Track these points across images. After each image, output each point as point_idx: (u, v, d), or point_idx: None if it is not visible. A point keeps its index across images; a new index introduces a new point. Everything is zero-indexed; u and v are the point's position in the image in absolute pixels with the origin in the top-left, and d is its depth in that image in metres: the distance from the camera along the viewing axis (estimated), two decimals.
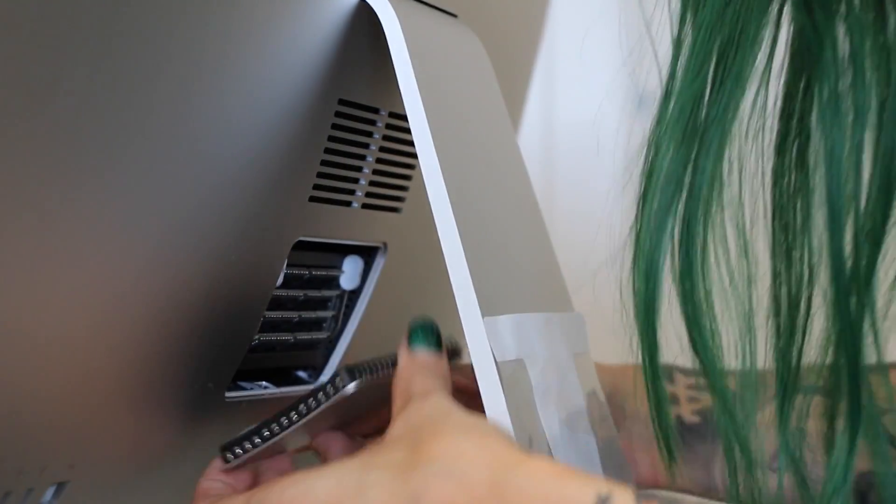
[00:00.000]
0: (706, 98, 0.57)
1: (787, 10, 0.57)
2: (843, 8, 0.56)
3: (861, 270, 0.56)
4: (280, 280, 0.66)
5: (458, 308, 0.59)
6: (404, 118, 0.61)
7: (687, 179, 0.56)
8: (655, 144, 0.57)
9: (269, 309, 0.66)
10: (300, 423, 0.63)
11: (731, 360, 0.58)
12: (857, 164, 0.55)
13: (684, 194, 0.56)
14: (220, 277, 0.62)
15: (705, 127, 0.56)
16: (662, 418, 0.59)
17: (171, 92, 0.55)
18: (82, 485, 0.60)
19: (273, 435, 0.63)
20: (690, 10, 0.57)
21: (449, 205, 0.59)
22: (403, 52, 0.61)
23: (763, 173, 0.59)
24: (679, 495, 0.71)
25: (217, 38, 0.56)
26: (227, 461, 0.64)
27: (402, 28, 0.61)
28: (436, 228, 0.60)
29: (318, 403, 0.63)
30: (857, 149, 0.55)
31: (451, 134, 0.62)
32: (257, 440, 0.64)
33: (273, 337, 0.68)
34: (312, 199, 0.64)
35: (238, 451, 0.64)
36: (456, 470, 0.54)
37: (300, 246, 0.65)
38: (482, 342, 0.59)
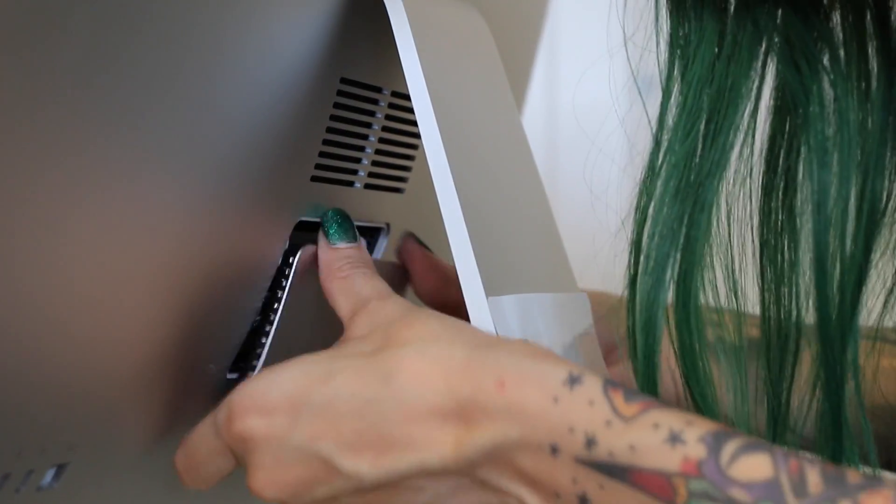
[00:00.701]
0: (699, 154, 0.57)
1: (771, 62, 0.58)
2: (827, 62, 0.57)
3: (846, 315, 0.57)
4: (281, 260, 0.65)
5: (461, 288, 0.59)
6: (407, 97, 0.61)
7: (682, 234, 0.57)
8: (648, 194, 0.58)
9: (271, 289, 0.65)
10: (287, 299, 0.64)
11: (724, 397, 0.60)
12: (843, 212, 0.57)
13: (680, 249, 0.57)
14: (220, 258, 0.61)
15: (700, 182, 0.57)
16: None
17: (169, 72, 0.54)
18: (83, 466, 0.60)
19: (272, 324, 0.64)
20: (679, 64, 0.58)
21: (452, 185, 0.59)
22: (406, 30, 0.60)
23: (751, 216, 0.60)
24: None
25: (216, 17, 0.55)
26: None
27: (405, 6, 0.61)
28: (439, 209, 0.60)
29: (287, 277, 0.64)
30: (843, 198, 0.57)
31: (454, 113, 0.62)
32: (263, 339, 0.65)
33: (275, 317, 0.67)
34: (314, 178, 0.64)
35: (254, 362, 0.65)
36: (431, 349, 0.55)
37: (302, 226, 0.65)
38: (486, 322, 0.58)
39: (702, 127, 0.57)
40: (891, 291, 0.60)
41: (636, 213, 0.58)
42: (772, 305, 0.60)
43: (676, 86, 0.58)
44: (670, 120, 0.58)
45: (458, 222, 0.59)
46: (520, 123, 0.69)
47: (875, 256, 0.59)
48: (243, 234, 0.62)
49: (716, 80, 0.57)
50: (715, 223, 0.58)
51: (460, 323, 0.57)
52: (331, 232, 0.64)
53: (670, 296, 0.59)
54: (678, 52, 0.58)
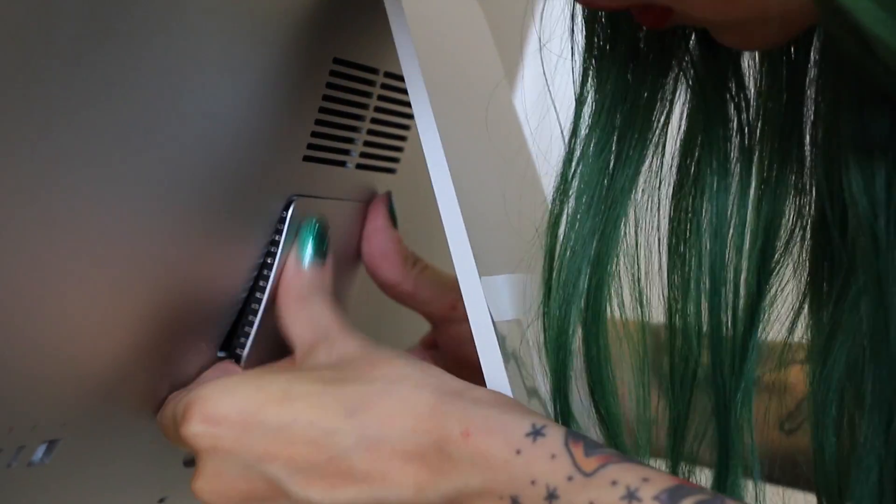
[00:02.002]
0: (611, 170, 0.58)
1: (682, 83, 0.59)
2: (734, 89, 0.58)
3: (737, 345, 0.58)
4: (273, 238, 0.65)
5: (454, 268, 0.59)
6: (401, 78, 0.61)
7: (594, 249, 0.58)
8: (560, 205, 0.59)
9: (260, 268, 0.65)
10: (274, 277, 0.64)
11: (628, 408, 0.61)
12: (741, 234, 0.58)
13: (591, 263, 0.58)
14: (211, 235, 0.61)
15: (613, 199, 0.58)
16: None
17: (160, 50, 0.54)
18: (74, 442, 0.60)
19: (259, 302, 0.64)
20: (593, 79, 0.58)
21: (446, 166, 0.59)
22: (400, 11, 0.60)
23: (658, 229, 0.61)
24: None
25: None
26: (239, 360, 0.65)
27: None
28: (431, 189, 0.60)
29: (276, 253, 0.64)
30: (741, 219, 0.58)
31: (447, 94, 0.62)
32: (251, 317, 0.64)
33: (263, 295, 0.67)
34: (306, 158, 0.64)
35: (242, 339, 0.65)
36: (398, 389, 0.56)
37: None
38: (480, 302, 0.59)
39: (614, 143, 0.58)
40: (797, 314, 0.61)
41: (549, 224, 0.59)
42: (675, 318, 0.61)
43: (590, 95, 0.58)
44: (583, 129, 0.58)
45: (451, 203, 0.59)
46: (513, 105, 0.69)
47: (782, 278, 0.60)
48: (234, 213, 0.62)
49: (630, 96, 0.58)
50: (623, 234, 0.59)
51: (426, 365, 0.58)
52: (304, 249, 0.64)
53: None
54: (593, 62, 0.58)
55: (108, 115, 0.53)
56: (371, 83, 0.66)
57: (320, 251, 0.64)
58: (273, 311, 0.65)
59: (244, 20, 0.58)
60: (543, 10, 0.60)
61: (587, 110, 0.58)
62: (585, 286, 0.58)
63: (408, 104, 0.61)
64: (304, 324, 0.63)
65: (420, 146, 0.60)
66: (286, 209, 0.64)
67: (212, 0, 0.56)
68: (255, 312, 0.65)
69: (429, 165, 0.59)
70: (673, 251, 0.61)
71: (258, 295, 0.65)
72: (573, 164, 0.58)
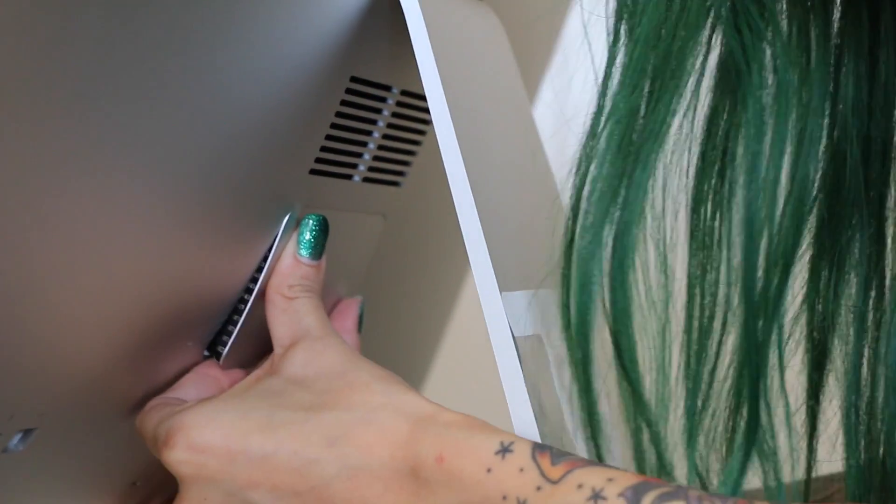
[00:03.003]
0: (642, 113, 0.58)
1: (718, 34, 0.58)
2: (770, 34, 0.58)
3: (771, 293, 0.58)
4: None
5: (475, 283, 0.60)
6: (416, 96, 0.61)
7: (622, 193, 0.58)
8: (588, 158, 0.58)
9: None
10: (264, 277, 0.64)
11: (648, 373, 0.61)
12: (775, 187, 0.57)
13: (618, 208, 0.58)
14: (212, 241, 0.62)
15: (641, 141, 0.57)
16: (596, 441, 0.61)
17: (179, 59, 0.54)
18: (50, 432, 0.60)
19: (246, 302, 0.65)
20: (625, 25, 0.58)
21: (467, 182, 0.59)
22: (422, 29, 0.60)
23: (686, 191, 0.60)
24: None
25: (228, 11, 0.55)
26: (219, 357, 0.66)
27: (421, 6, 0.60)
28: (435, 200, 0.60)
29: (268, 256, 0.64)
30: (775, 170, 0.57)
31: (468, 111, 0.61)
32: (235, 317, 0.65)
33: (252, 295, 0.67)
34: (313, 171, 0.64)
35: (224, 338, 0.65)
36: (377, 418, 0.58)
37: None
38: (500, 317, 0.59)
39: (646, 86, 0.57)
40: (815, 289, 0.62)
41: (576, 176, 0.59)
42: (698, 284, 0.61)
43: (622, 48, 0.58)
44: (614, 85, 0.58)
45: (472, 218, 0.59)
46: (533, 122, 0.69)
47: (804, 240, 0.60)
48: (237, 220, 0.62)
49: (663, 42, 0.57)
50: (650, 195, 0.59)
51: (401, 388, 0.60)
52: (303, 241, 0.65)
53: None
54: (626, 12, 0.58)
55: (117, 122, 0.53)
56: (384, 100, 0.66)
57: (318, 248, 0.65)
58: (259, 309, 0.65)
59: (262, 37, 0.57)
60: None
61: (618, 65, 0.58)
62: (613, 228, 0.58)
63: (421, 121, 0.61)
64: (287, 321, 0.64)
65: (429, 159, 0.60)
66: (285, 216, 0.64)
67: (230, 15, 0.55)
68: (240, 312, 0.65)
69: (450, 181, 0.59)
70: (700, 211, 0.61)
71: (246, 295, 0.65)
72: (603, 116, 0.58)
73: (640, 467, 0.61)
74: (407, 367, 0.85)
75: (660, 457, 0.60)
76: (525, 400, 0.58)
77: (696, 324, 0.61)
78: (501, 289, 0.59)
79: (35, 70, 0.49)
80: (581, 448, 0.62)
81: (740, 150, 0.58)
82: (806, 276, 0.61)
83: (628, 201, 0.58)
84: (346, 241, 0.69)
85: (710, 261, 0.60)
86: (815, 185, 0.59)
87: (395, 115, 0.67)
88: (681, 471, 0.60)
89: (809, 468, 0.63)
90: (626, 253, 0.58)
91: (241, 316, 0.65)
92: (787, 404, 0.61)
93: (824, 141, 0.59)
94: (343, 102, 0.63)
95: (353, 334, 0.70)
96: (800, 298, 0.62)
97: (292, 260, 0.65)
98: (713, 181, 0.60)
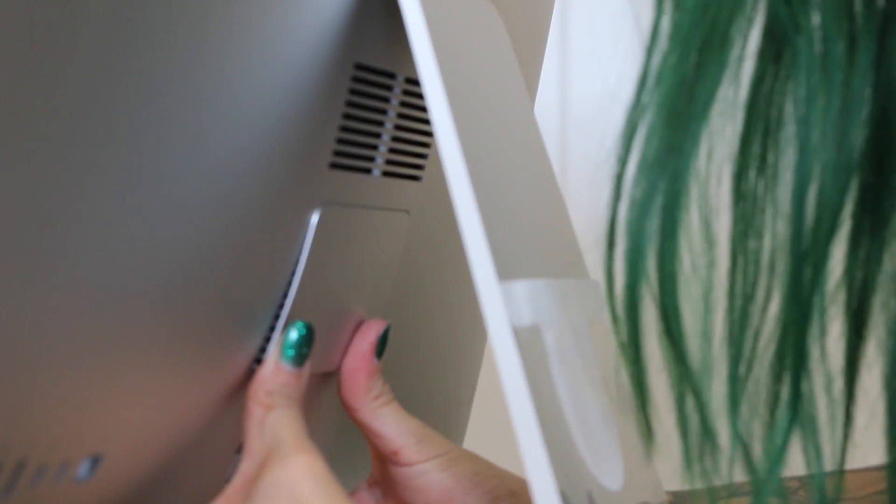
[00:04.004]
0: (690, 83, 0.57)
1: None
2: (816, 0, 0.57)
3: (816, 258, 0.57)
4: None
5: (472, 272, 0.59)
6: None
7: (671, 165, 0.57)
8: (633, 129, 0.58)
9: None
10: (296, 288, 0.65)
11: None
12: (821, 153, 0.57)
13: (667, 180, 0.57)
14: (243, 247, 0.62)
15: (690, 113, 0.57)
16: (644, 411, 0.59)
17: (182, 63, 0.55)
18: (118, 460, 0.61)
19: (283, 307, 0.65)
20: None
21: (464, 169, 0.59)
22: (419, 19, 0.60)
23: (731, 158, 0.59)
24: None
25: (229, 4, 0.56)
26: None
27: None
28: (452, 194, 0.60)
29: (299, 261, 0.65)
30: (822, 139, 0.57)
31: (466, 99, 0.62)
32: (276, 323, 0.65)
33: (289, 302, 0.68)
34: (333, 165, 0.64)
35: (267, 345, 0.65)
36: None
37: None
38: (498, 308, 0.58)
39: (693, 56, 0.57)
40: (856, 255, 0.60)
41: (621, 147, 0.58)
42: (742, 250, 0.59)
43: (667, 18, 0.57)
44: (659, 54, 0.57)
45: (470, 207, 0.59)
46: (531, 112, 0.68)
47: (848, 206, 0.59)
48: (264, 222, 0.63)
49: (710, 10, 0.57)
50: (695, 163, 0.58)
51: None
52: (287, 346, 0.66)
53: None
54: None
55: (128, 126, 0.54)
56: (391, 88, 0.66)
57: (301, 356, 0.66)
58: (300, 311, 0.66)
59: (264, 27, 0.58)
60: None
61: (663, 38, 0.58)
62: (662, 200, 0.57)
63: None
64: (259, 434, 0.65)
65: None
66: (313, 216, 0.64)
67: (233, 8, 0.56)
68: (279, 317, 0.66)
69: (446, 169, 0.59)
70: (745, 179, 0.59)
71: (284, 300, 0.65)
72: (651, 83, 0.58)
73: (684, 434, 0.58)
74: (450, 383, 0.84)
75: (704, 423, 0.58)
76: (525, 392, 0.57)
77: (739, 290, 0.60)
78: (500, 278, 0.58)
79: (53, 73, 0.50)
80: (603, 429, 0.61)
81: (786, 117, 0.58)
82: (846, 243, 0.60)
83: (677, 172, 0.57)
84: (373, 241, 0.69)
85: (754, 227, 0.59)
86: (860, 151, 0.58)
87: (403, 104, 0.68)
88: (724, 438, 0.58)
89: (846, 436, 0.61)
90: (674, 223, 0.57)
91: (280, 320, 0.65)
92: (827, 370, 0.59)
93: (869, 107, 0.58)
94: (351, 91, 0.64)
95: (365, 359, 0.70)
96: (842, 265, 0.60)
97: (274, 366, 0.65)
98: (758, 148, 0.59)
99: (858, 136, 0.57)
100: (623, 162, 0.57)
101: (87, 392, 0.57)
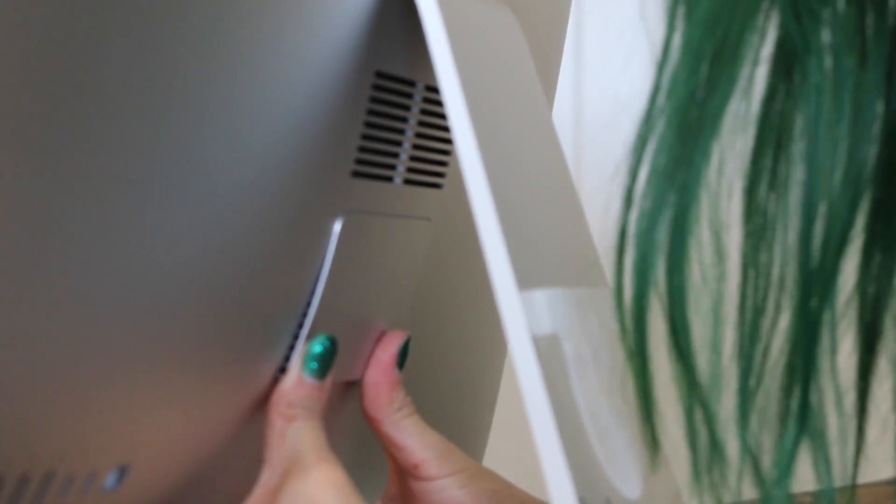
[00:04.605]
0: (701, 96, 0.57)
1: (773, 14, 0.58)
2: (828, 16, 0.57)
3: (826, 273, 0.57)
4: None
5: (492, 281, 0.59)
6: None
7: (680, 178, 0.57)
8: (644, 141, 0.58)
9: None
10: (319, 296, 0.65)
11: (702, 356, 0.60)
12: (831, 168, 0.57)
13: (676, 192, 0.57)
14: (267, 256, 0.62)
15: (700, 126, 0.57)
16: (650, 421, 0.59)
17: (203, 73, 0.55)
18: (145, 469, 0.61)
19: (306, 316, 0.65)
20: (683, 7, 0.57)
21: (484, 177, 0.59)
22: (438, 26, 0.61)
23: (742, 172, 0.59)
24: None
25: (251, 15, 0.56)
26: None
27: (437, 1, 0.61)
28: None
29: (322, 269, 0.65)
30: (832, 154, 0.57)
31: (485, 107, 0.62)
32: (300, 332, 0.65)
33: (312, 312, 0.68)
34: (355, 173, 0.65)
35: (291, 354, 0.65)
36: None
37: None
38: (518, 316, 0.58)
39: (705, 70, 0.57)
40: (868, 271, 0.60)
41: (632, 159, 0.57)
42: (752, 264, 0.59)
43: (678, 32, 0.57)
44: (670, 68, 0.57)
45: (488, 215, 0.59)
46: (550, 118, 0.68)
47: (858, 221, 0.58)
48: (288, 232, 0.63)
49: (721, 24, 0.57)
50: (705, 177, 0.58)
51: None
52: (310, 359, 0.66)
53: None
54: None
55: (155, 136, 0.54)
56: (411, 96, 0.66)
57: (324, 368, 0.66)
58: (324, 321, 0.66)
59: (285, 36, 0.58)
60: None
61: (674, 50, 0.58)
62: (671, 212, 0.57)
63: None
64: (280, 445, 0.65)
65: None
66: (336, 225, 0.64)
67: (254, 18, 0.56)
68: (303, 326, 0.66)
69: (466, 178, 0.60)
70: (756, 192, 0.59)
71: (307, 309, 0.66)
72: (661, 96, 0.58)
73: (693, 446, 0.58)
74: (472, 391, 0.84)
75: (712, 435, 0.58)
76: (544, 399, 0.57)
77: (749, 303, 0.59)
78: (519, 287, 0.58)
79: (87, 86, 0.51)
80: (621, 435, 0.61)
81: (797, 132, 0.57)
82: (859, 258, 0.60)
83: (687, 185, 0.57)
84: (395, 249, 0.69)
85: (765, 241, 0.59)
86: (871, 165, 0.58)
87: (423, 111, 0.68)
88: (732, 450, 0.58)
89: (858, 450, 0.61)
90: (684, 236, 0.57)
91: (303, 330, 0.65)
92: (837, 385, 0.59)
93: (880, 123, 0.58)
94: (372, 99, 0.64)
95: (387, 370, 0.70)
96: (852, 281, 0.60)
97: (296, 378, 0.66)
98: (769, 162, 0.59)
99: (869, 151, 0.57)
100: (634, 174, 0.57)
101: (114, 403, 0.58)
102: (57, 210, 0.51)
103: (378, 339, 0.71)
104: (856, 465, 0.60)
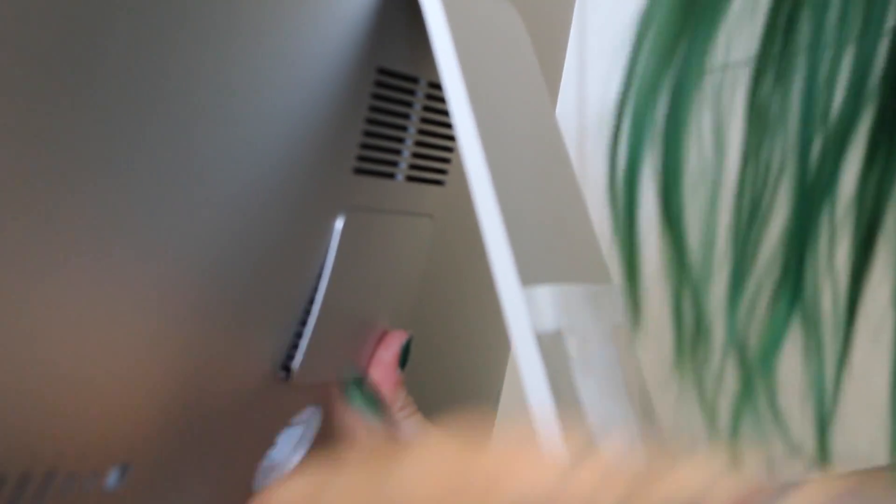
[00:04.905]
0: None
1: None
2: None
3: (825, 172, 0.56)
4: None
5: (495, 277, 0.59)
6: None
7: (682, 49, 0.56)
8: (650, 13, 0.57)
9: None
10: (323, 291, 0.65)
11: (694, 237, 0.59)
12: (836, 66, 0.56)
13: (677, 65, 0.56)
14: (269, 253, 0.62)
15: (711, 1, 0.56)
16: (632, 281, 0.59)
17: (203, 70, 0.55)
18: (146, 468, 0.61)
19: (309, 313, 0.65)
20: None
21: (487, 173, 0.59)
22: (441, 22, 0.60)
23: (748, 62, 0.58)
24: None
25: (252, 10, 0.56)
26: (290, 373, 0.66)
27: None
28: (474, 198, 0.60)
29: (325, 265, 0.65)
30: (838, 50, 0.56)
31: (488, 103, 0.62)
32: (301, 329, 0.65)
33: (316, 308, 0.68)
34: (357, 170, 0.64)
35: (293, 352, 0.66)
36: None
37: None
38: (521, 313, 0.58)
39: None
40: (865, 183, 0.59)
41: (635, 32, 0.57)
42: (753, 155, 0.58)
43: None
44: None
45: (492, 212, 0.59)
46: (553, 114, 0.68)
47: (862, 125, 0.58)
48: (290, 229, 0.63)
49: None
50: (710, 58, 0.57)
51: None
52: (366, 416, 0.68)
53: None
54: None
55: (153, 131, 0.54)
56: (414, 93, 0.66)
57: (376, 410, 0.68)
58: (326, 320, 0.66)
59: (287, 33, 0.58)
60: None
61: None
62: (670, 85, 0.56)
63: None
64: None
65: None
66: (338, 222, 0.64)
67: (255, 14, 0.56)
68: (305, 324, 0.66)
69: (469, 173, 0.59)
70: (760, 85, 0.58)
71: (309, 306, 0.65)
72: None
73: (678, 325, 0.58)
74: (475, 389, 0.84)
75: (698, 319, 0.58)
76: (547, 396, 0.56)
77: (748, 190, 0.59)
78: (522, 283, 0.58)
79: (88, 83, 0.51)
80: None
81: (806, 24, 0.56)
82: (862, 160, 0.59)
83: (688, 58, 0.56)
84: (397, 246, 0.69)
85: (767, 133, 0.58)
86: (876, 68, 0.57)
87: (426, 108, 0.67)
88: (718, 333, 0.58)
89: (846, 347, 0.60)
90: (681, 111, 0.56)
91: (305, 328, 0.65)
92: (834, 279, 0.59)
93: (890, 23, 0.57)
94: (374, 96, 0.64)
95: (389, 371, 0.70)
96: (855, 183, 0.60)
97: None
98: (777, 53, 0.58)
99: (878, 50, 0.56)
100: (638, 46, 0.56)
101: (115, 402, 0.58)
102: (56, 207, 0.51)
103: (380, 338, 0.71)
104: (843, 365, 0.59)
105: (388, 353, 0.71)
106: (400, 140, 0.67)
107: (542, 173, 0.66)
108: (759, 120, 0.59)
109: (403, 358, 0.71)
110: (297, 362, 0.65)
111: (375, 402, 0.67)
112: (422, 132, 0.68)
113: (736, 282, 0.58)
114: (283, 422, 0.69)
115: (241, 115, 0.57)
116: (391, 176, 0.67)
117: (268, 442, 0.68)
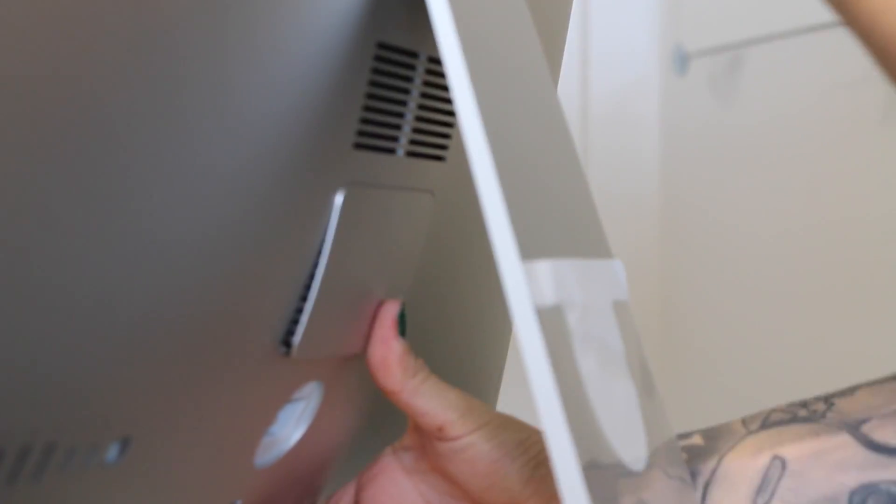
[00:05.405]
0: None
1: None
2: None
3: None
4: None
5: (494, 251, 0.58)
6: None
7: None
8: None
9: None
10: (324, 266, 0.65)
11: None
12: None
13: None
14: (268, 229, 0.62)
15: None
16: None
17: (199, 44, 0.55)
18: (148, 443, 0.61)
19: (309, 288, 0.65)
20: None
21: (487, 148, 0.58)
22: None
23: None
24: None
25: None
26: (291, 347, 0.66)
27: None
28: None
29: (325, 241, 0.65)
30: None
31: (489, 78, 0.61)
32: (302, 304, 0.65)
33: (316, 284, 0.67)
34: (357, 145, 0.64)
35: (294, 327, 0.66)
36: None
37: None
38: (521, 287, 0.58)
39: None
40: None
41: None
42: None
43: None
44: None
45: (492, 186, 0.58)
46: (555, 92, 0.68)
47: None
48: (289, 204, 0.63)
49: None
50: None
51: None
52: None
53: None
54: None
55: (149, 108, 0.54)
56: (414, 68, 0.66)
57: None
58: (326, 295, 0.65)
59: (286, 9, 0.58)
60: None
61: None
62: None
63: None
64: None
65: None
66: (338, 197, 0.64)
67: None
68: (305, 299, 0.66)
69: (468, 145, 0.59)
70: None
71: (309, 281, 0.65)
72: None
73: None
74: (478, 367, 0.84)
75: None
76: (547, 371, 0.56)
77: None
78: (522, 257, 0.58)
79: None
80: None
81: None
82: None
83: None
84: (397, 222, 0.69)
85: None
86: None
87: (426, 83, 0.67)
88: None
89: None
90: None
91: (306, 303, 0.65)
92: None
93: None
94: (374, 70, 0.64)
95: (388, 343, 0.70)
96: None
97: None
98: None
99: None
100: None
101: (114, 375, 0.57)
102: (52, 181, 0.51)
103: (374, 313, 0.71)
104: None
105: (383, 327, 0.70)
106: (400, 115, 0.67)
107: (543, 148, 0.65)
108: None
109: (402, 325, 0.71)
110: (297, 338, 0.65)
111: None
112: (422, 107, 0.67)
113: None
114: (284, 397, 0.69)
115: (240, 90, 0.57)
116: (391, 151, 0.67)
117: (269, 418, 0.68)
